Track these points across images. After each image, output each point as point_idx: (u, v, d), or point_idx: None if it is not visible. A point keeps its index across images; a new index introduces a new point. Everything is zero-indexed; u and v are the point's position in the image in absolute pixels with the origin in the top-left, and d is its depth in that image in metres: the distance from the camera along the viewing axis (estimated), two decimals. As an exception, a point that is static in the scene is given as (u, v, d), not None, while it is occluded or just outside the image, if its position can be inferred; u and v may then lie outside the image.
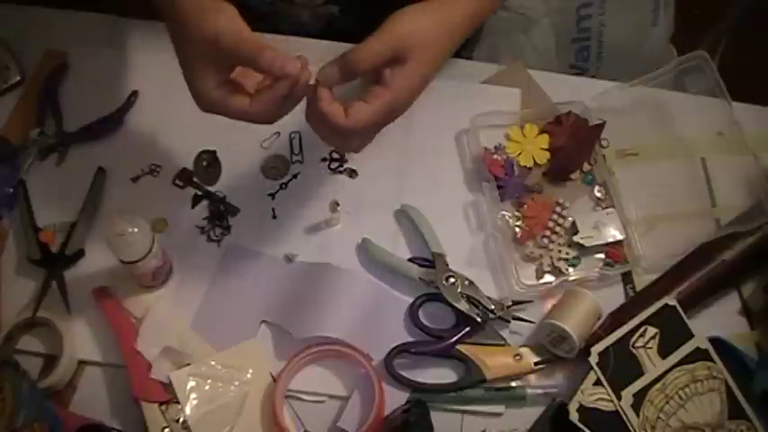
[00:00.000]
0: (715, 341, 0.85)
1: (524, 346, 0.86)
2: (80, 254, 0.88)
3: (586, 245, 0.90)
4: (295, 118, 0.97)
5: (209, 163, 0.93)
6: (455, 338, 0.85)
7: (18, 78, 0.97)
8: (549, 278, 0.90)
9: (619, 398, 0.81)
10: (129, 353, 0.82)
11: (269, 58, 0.68)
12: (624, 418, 0.81)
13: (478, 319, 0.85)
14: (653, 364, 0.83)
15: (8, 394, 0.70)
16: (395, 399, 0.83)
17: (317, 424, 0.83)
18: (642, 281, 0.91)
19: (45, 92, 0.96)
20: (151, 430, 0.79)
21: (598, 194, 0.94)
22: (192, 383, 0.81)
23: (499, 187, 0.92)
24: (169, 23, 0.73)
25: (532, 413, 0.84)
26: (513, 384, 0.85)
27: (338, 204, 0.89)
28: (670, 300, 0.86)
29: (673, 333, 0.85)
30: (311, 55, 1.00)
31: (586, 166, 0.96)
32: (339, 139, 0.74)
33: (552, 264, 0.90)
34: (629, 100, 0.98)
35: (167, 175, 0.93)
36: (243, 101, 0.70)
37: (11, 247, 0.89)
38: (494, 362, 0.84)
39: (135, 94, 0.97)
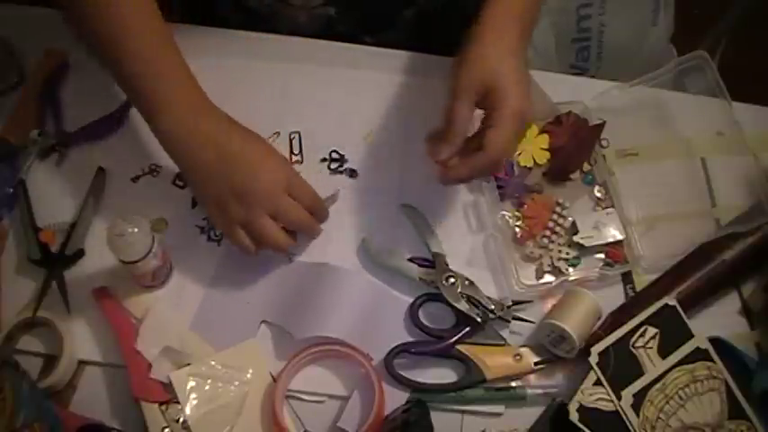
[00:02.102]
0: (715, 341, 0.85)
1: (524, 346, 0.86)
2: (80, 254, 0.88)
3: (586, 245, 0.90)
4: (295, 118, 0.98)
5: (209, 163, 0.93)
6: (455, 338, 0.85)
7: (18, 78, 0.97)
8: (549, 278, 0.90)
9: (619, 398, 0.81)
10: (129, 353, 0.82)
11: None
12: (624, 418, 0.81)
13: (478, 319, 0.85)
14: (653, 364, 0.83)
15: (8, 394, 0.70)
16: (395, 399, 0.83)
17: (317, 424, 0.83)
18: (642, 281, 0.91)
19: (45, 92, 0.96)
20: (151, 430, 0.79)
21: (598, 194, 0.94)
22: (192, 383, 0.81)
23: (499, 187, 0.92)
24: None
25: (532, 413, 0.84)
26: (513, 384, 0.85)
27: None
28: (670, 300, 0.86)
29: (673, 333, 0.85)
30: (309, 55, 1.01)
31: (586, 166, 0.96)
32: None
33: (552, 264, 0.90)
34: (629, 100, 0.98)
35: (167, 175, 0.93)
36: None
37: (11, 247, 0.89)
38: (494, 362, 0.84)
39: (135, 94, 0.97)
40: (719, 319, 0.89)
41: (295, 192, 0.83)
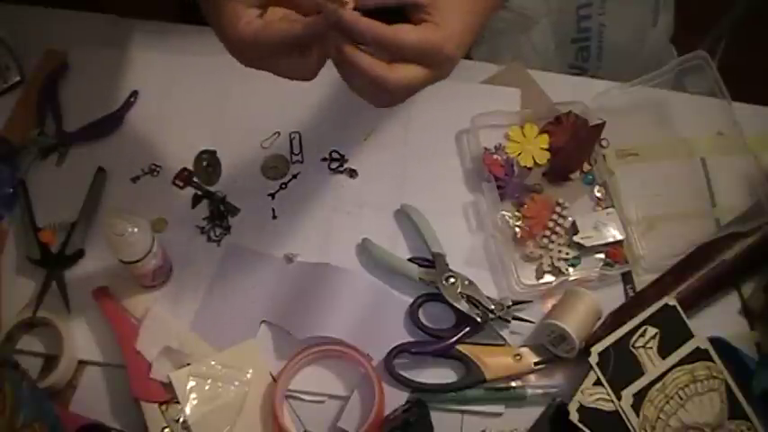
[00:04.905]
0: (715, 341, 0.85)
1: (524, 346, 0.86)
2: (80, 254, 0.88)
3: (586, 245, 0.90)
4: (295, 118, 0.98)
5: (209, 163, 0.93)
6: (455, 338, 0.85)
7: (18, 78, 0.97)
8: (549, 278, 0.90)
9: (619, 398, 0.81)
10: (129, 353, 0.82)
11: None
12: (624, 418, 0.81)
13: (478, 319, 0.85)
14: (653, 364, 0.83)
15: (8, 394, 0.70)
16: (395, 399, 0.83)
17: (317, 424, 0.83)
18: (642, 281, 0.91)
19: (45, 92, 0.96)
20: (151, 430, 0.79)
21: (598, 194, 0.94)
22: (192, 383, 0.82)
23: (499, 187, 0.92)
24: None
25: (532, 413, 0.84)
26: (513, 384, 0.85)
27: None
28: (670, 300, 0.86)
29: (673, 333, 0.85)
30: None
31: (586, 166, 0.96)
32: (374, 90, 0.65)
33: (552, 264, 0.90)
34: (629, 100, 0.98)
35: (167, 175, 0.93)
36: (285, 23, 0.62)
37: (11, 247, 0.89)
38: (494, 362, 0.84)
39: (135, 94, 0.97)
40: (719, 319, 0.89)
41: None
